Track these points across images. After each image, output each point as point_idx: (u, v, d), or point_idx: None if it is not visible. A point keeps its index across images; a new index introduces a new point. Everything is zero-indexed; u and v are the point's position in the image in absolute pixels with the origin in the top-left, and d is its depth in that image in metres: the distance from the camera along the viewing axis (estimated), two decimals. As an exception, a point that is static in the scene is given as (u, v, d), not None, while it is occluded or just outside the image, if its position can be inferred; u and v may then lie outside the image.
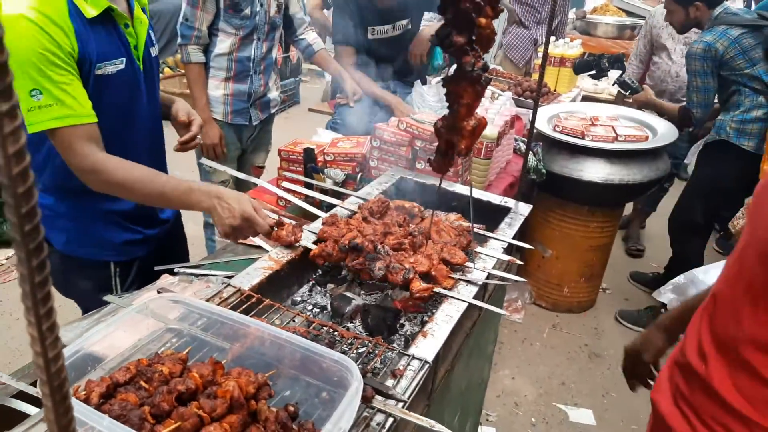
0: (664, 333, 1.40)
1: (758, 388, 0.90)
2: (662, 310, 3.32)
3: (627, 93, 3.48)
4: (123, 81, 1.46)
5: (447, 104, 1.15)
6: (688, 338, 1.10)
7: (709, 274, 2.05)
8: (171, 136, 1.69)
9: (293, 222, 1.52)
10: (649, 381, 1.46)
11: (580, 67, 3.79)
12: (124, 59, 1.45)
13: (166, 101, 1.74)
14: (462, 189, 1.94)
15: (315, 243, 1.46)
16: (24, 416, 0.95)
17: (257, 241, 1.65)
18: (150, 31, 1.56)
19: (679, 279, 2.13)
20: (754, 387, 0.91)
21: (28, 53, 1.22)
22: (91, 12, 1.33)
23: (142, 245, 1.70)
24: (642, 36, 4.17)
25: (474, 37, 0.96)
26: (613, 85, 3.67)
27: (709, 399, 1.01)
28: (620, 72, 3.56)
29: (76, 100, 1.31)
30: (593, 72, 3.69)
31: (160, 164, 1.72)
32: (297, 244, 1.47)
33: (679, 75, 3.87)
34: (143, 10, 1.56)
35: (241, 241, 1.80)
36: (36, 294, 0.29)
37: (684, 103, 3.16)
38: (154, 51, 1.59)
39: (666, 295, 2.12)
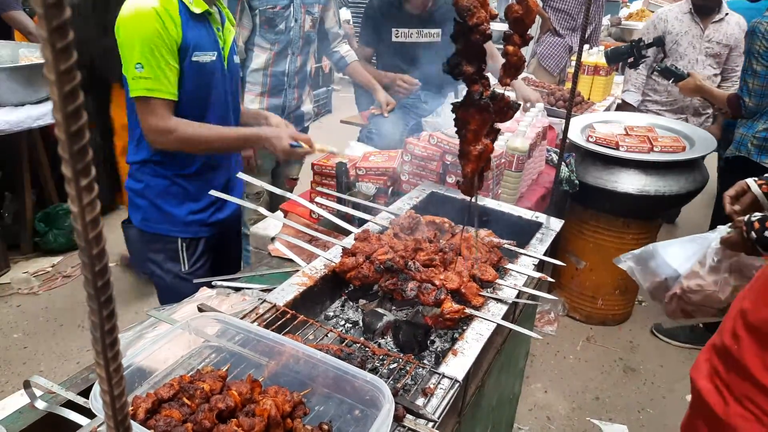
0: None
1: None
2: (700, 325, 3.21)
3: (671, 81, 3.17)
4: (212, 71, 1.78)
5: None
6: (725, 323, 1.19)
7: (668, 249, 2.09)
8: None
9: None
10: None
11: (614, 55, 3.39)
12: (215, 53, 1.78)
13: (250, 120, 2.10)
14: (493, 203, 1.95)
15: (345, 255, 1.48)
16: (72, 424, 1.01)
17: (289, 254, 1.70)
18: (234, 41, 1.89)
19: (639, 250, 2.19)
20: None
21: (146, 35, 1.58)
22: (195, 10, 1.69)
23: (206, 227, 1.98)
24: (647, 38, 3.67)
25: (483, 66, 0.98)
26: (652, 73, 3.30)
27: (741, 377, 1.10)
28: (661, 58, 3.21)
29: (167, 79, 1.65)
30: (631, 60, 3.32)
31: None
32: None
33: None
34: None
35: (275, 254, 1.86)
36: (105, 340, 0.33)
37: (734, 91, 2.88)
38: (236, 59, 1.93)
39: (626, 263, 2.18)
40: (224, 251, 2.15)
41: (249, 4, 2.52)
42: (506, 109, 1.05)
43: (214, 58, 1.77)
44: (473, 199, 1.40)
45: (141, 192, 1.88)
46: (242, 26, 2.57)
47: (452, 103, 1.13)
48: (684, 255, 2.04)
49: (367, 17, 3.12)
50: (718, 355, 1.20)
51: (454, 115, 1.14)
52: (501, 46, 1.19)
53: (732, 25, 3.59)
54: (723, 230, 1.90)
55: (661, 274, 2.08)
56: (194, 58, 1.72)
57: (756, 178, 2.04)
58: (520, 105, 1.17)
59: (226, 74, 1.86)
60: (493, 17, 0.95)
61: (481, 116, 1.06)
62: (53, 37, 0.25)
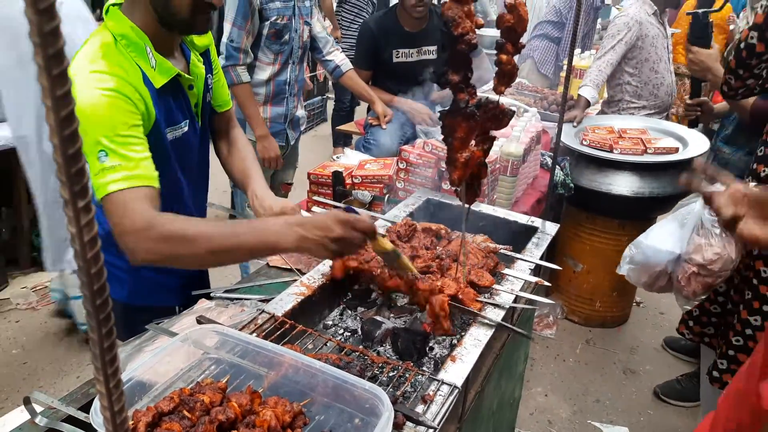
0: None
1: None
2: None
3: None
4: (186, 143, 1.47)
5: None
6: None
7: (649, 237, 2.13)
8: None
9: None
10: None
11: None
12: (187, 121, 1.45)
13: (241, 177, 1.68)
14: (488, 209, 1.96)
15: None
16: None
17: (287, 263, 1.70)
18: (208, 76, 1.54)
19: (628, 250, 2.21)
20: None
21: (106, 116, 1.19)
22: (159, 81, 1.32)
23: (200, 284, 1.73)
24: (624, 42, 3.35)
25: (469, 75, 0.99)
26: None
27: None
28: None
29: (143, 161, 1.22)
30: None
31: (201, 210, 1.72)
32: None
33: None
34: (207, 52, 1.56)
35: (273, 264, 1.85)
36: (104, 357, 0.34)
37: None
38: (209, 96, 1.58)
39: (624, 267, 2.23)
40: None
41: (261, 14, 2.55)
42: (501, 116, 1.06)
43: (186, 128, 1.45)
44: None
45: (126, 267, 1.49)
46: (251, 32, 2.57)
47: (440, 111, 1.14)
48: (672, 235, 2.06)
49: (362, 41, 3.11)
50: None
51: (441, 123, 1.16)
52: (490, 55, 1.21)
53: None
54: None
55: (658, 262, 2.10)
56: (169, 135, 1.40)
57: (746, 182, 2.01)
58: (514, 111, 1.18)
59: (199, 132, 1.53)
60: (479, 27, 0.96)
61: (468, 124, 1.06)
62: (50, 64, 0.26)
